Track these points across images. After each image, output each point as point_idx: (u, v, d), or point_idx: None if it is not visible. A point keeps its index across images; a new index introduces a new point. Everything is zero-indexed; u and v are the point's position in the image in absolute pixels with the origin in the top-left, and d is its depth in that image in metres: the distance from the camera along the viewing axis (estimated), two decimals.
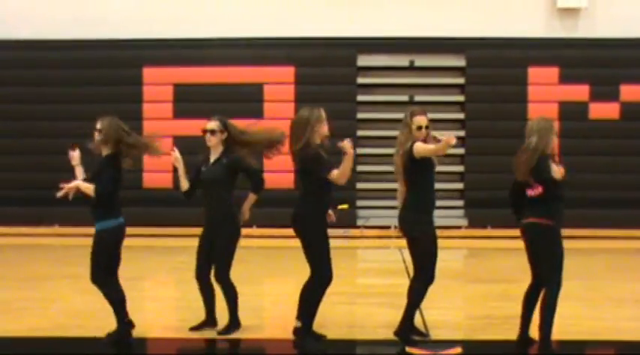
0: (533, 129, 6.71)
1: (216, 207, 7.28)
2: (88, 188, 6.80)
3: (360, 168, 14.52)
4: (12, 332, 7.58)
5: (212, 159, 7.38)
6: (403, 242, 7.26)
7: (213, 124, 7.36)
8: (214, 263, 7.34)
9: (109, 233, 6.88)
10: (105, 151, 7.04)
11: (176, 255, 11.88)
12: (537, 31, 14.75)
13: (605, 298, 9.30)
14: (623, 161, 14.57)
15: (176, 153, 7.40)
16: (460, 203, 14.86)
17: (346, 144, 6.69)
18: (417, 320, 7.69)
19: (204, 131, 7.37)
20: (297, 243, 7.12)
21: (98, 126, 7.02)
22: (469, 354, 6.93)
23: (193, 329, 7.44)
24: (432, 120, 7.21)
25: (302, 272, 7.42)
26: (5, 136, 14.84)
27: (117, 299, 7.04)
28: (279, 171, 14.55)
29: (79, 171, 7.12)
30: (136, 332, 7.49)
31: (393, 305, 7.46)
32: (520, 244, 6.95)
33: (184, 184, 7.48)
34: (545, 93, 14.66)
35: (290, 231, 7.28)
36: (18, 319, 8.08)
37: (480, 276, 10.44)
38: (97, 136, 7.00)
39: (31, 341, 7.36)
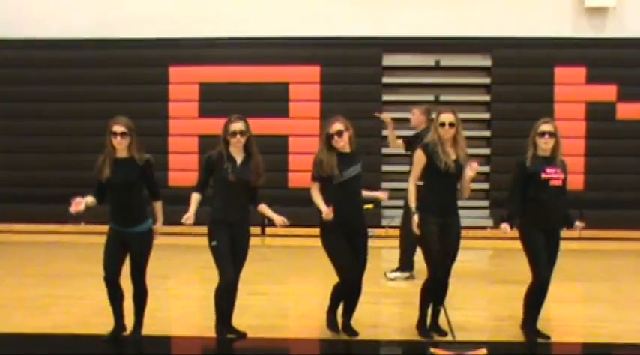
0: None
1: (243, 208, 7.22)
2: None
3: (385, 167, 14.49)
4: (37, 329, 7.65)
5: (238, 160, 7.08)
6: None
7: (241, 125, 7.03)
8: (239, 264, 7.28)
9: None
10: (125, 153, 6.95)
11: (201, 254, 11.88)
12: (564, 31, 14.62)
13: (633, 300, 9.21)
14: None
15: None
16: (485, 203, 14.77)
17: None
18: (442, 320, 7.67)
19: (234, 133, 6.99)
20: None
21: (123, 129, 6.85)
22: None
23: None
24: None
25: (326, 271, 7.42)
26: (32, 135, 14.92)
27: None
28: (303, 171, 14.58)
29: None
30: (162, 331, 7.52)
31: (417, 305, 7.43)
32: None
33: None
34: (572, 93, 14.54)
35: (314, 231, 7.30)
36: (43, 315, 8.14)
37: (505, 277, 10.37)
38: (126, 138, 6.87)
39: (55, 337, 7.41)
